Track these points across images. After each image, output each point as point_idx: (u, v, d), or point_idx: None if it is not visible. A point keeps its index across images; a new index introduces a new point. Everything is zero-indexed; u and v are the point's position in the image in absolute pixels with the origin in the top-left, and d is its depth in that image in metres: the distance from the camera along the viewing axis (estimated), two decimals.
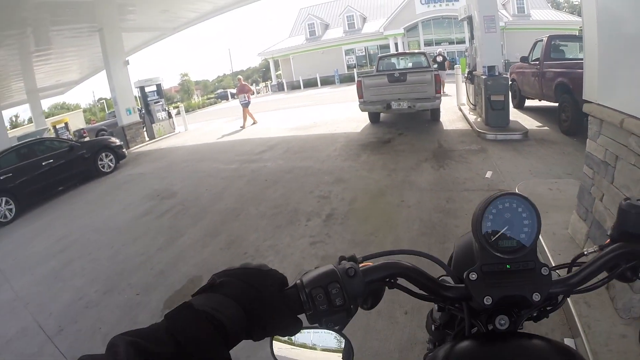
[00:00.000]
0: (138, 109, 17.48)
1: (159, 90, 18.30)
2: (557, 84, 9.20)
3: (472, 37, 12.45)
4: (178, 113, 19.96)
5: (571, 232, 4.00)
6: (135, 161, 12.22)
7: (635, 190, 3.08)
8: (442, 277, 0.90)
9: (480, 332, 0.81)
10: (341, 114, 14.94)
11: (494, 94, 8.87)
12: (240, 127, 15.41)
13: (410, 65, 13.56)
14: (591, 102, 3.91)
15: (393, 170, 7.23)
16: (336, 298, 0.70)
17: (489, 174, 6.33)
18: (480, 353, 0.76)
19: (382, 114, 12.25)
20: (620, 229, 0.79)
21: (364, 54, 39.54)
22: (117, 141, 12.07)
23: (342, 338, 0.75)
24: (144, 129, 17.31)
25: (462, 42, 37.22)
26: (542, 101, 10.96)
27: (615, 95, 3.54)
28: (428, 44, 37.36)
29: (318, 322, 0.72)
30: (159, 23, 17.92)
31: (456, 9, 35.45)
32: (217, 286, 0.67)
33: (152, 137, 17.23)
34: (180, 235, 5.66)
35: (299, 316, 0.71)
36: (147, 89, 17.69)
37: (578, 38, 11.54)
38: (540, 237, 0.90)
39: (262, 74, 60.38)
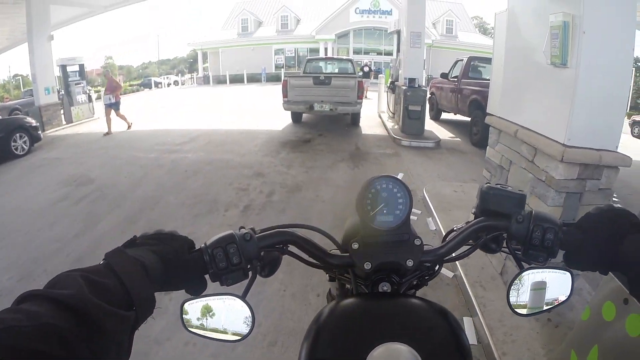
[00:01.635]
0: (57, 89, 16.32)
1: (81, 71, 17.11)
2: (471, 100, 10.02)
3: (398, 50, 13.16)
4: (99, 97, 18.91)
5: None
6: (50, 145, 11.37)
7: (524, 189, 3.53)
8: (332, 250, 0.99)
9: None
10: (264, 111, 15.09)
11: (412, 104, 9.57)
12: (105, 133, 11.92)
13: (336, 70, 14.06)
14: (493, 115, 4.41)
15: (310, 168, 7.52)
16: (233, 257, 0.81)
17: (400, 175, 6.76)
18: (362, 308, 0.87)
19: (304, 115, 12.61)
20: (481, 207, 0.94)
21: (293, 55, 39.85)
22: (33, 122, 10.97)
23: (245, 305, 0.81)
24: (62, 112, 16.14)
25: (389, 54, 38.23)
26: (457, 115, 11.80)
27: (512, 110, 4.03)
28: (357, 52, 38.21)
29: (219, 279, 0.82)
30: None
31: (388, 21, 36.86)
32: (137, 243, 0.79)
33: (69, 120, 16.03)
34: (98, 221, 5.47)
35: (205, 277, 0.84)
36: (69, 69, 16.51)
37: None
38: (441, 228, 1.17)
39: (189, 64, 58.76)
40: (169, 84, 43.97)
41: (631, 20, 3.02)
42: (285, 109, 11.36)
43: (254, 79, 36.97)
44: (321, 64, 14.55)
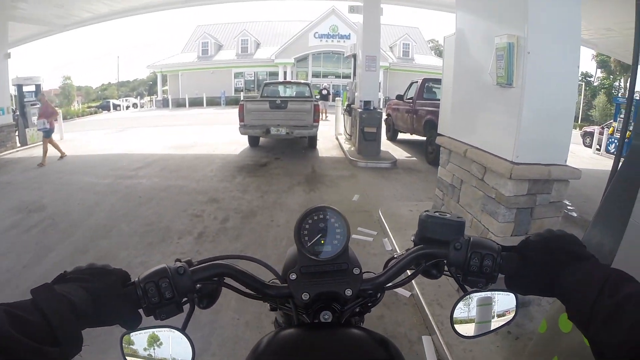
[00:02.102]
0: (12, 109, 15.54)
1: (38, 92, 16.19)
2: (426, 121, 10.20)
3: (354, 73, 13.33)
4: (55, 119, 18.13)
5: None
6: (2, 169, 10.89)
7: (476, 207, 3.57)
8: (272, 281, 0.99)
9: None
10: (222, 135, 15.11)
11: (367, 126, 9.68)
12: (39, 164, 10.43)
13: (293, 94, 14.11)
14: (443, 135, 4.44)
15: (266, 192, 7.42)
16: (165, 291, 0.80)
17: (356, 197, 6.87)
18: (300, 339, 0.87)
19: (261, 139, 12.50)
20: (420, 235, 0.95)
21: (253, 78, 39.87)
22: None
23: (185, 338, 0.81)
24: (17, 134, 15.31)
25: (347, 77, 38.90)
26: (413, 135, 11.98)
27: (462, 130, 4.06)
28: (316, 75, 38.71)
29: (153, 314, 0.81)
30: (51, 17, 16.02)
31: (346, 45, 37.48)
32: (67, 278, 0.77)
33: (24, 143, 15.21)
34: (49, 251, 5.17)
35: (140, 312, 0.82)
36: (25, 89, 15.90)
37: None
38: (397, 247, 1.17)
39: (149, 87, 57.90)
40: (127, 107, 43.27)
41: (575, 39, 3.11)
42: (242, 133, 11.18)
43: (213, 102, 36.81)
44: (279, 87, 14.55)
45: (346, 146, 11.56)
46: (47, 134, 10.99)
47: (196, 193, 7.40)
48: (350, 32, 37.32)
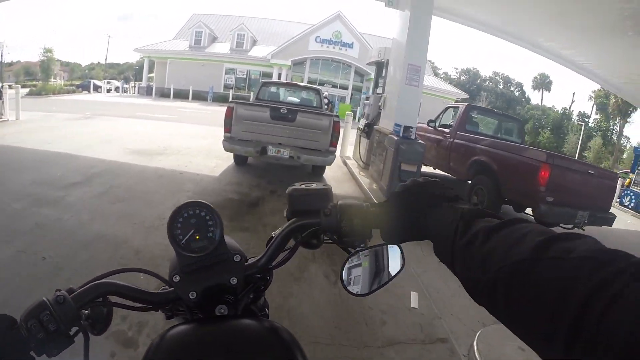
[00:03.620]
0: None
1: None
2: (474, 162, 7.75)
3: (376, 86, 11.04)
4: (30, 94, 15.37)
5: None
6: None
7: None
8: (163, 288, 0.93)
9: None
10: (201, 141, 12.19)
11: (407, 162, 6.85)
12: None
13: (298, 101, 11.11)
14: None
15: None
16: (49, 324, 0.73)
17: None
18: (191, 334, 0.84)
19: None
20: (291, 209, 0.96)
21: (245, 76, 37.63)
22: None
23: None
24: None
25: (344, 87, 37.26)
26: (437, 170, 9.97)
27: None
28: (312, 82, 36.30)
29: (44, 352, 0.74)
30: None
31: (348, 54, 35.96)
32: None
33: None
34: None
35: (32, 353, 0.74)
36: None
37: (497, 114, 10.53)
38: None
39: (136, 72, 55.22)
40: (109, 90, 41.05)
41: None
42: (226, 149, 7.93)
43: (199, 96, 34.24)
44: (281, 90, 11.56)
45: (363, 179, 8.74)
46: None
47: (138, 260, 4.05)
48: (354, 40, 35.66)
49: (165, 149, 10.18)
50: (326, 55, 36.46)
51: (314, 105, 10.22)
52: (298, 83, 12.30)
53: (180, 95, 34.32)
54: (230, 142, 7.85)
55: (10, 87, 16.64)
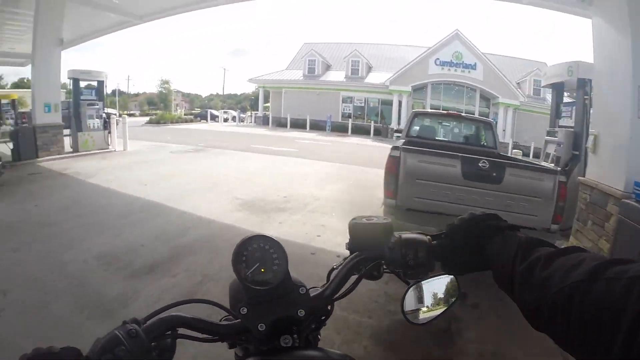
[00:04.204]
0: (65, 108, 13.12)
1: (99, 90, 13.78)
2: None
3: (557, 115, 8.70)
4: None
5: None
6: (15, 183, 8.40)
7: None
8: (226, 317, 0.96)
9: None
10: (332, 187, 9.82)
11: None
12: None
13: (464, 139, 8.43)
14: None
15: None
16: (123, 359, 0.73)
17: None
18: None
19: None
20: (353, 242, 0.99)
21: (363, 104, 36.15)
22: None
23: None
24: (70, 136, 12.93)
25: (471, 113, 34.24)
26: None
27: None
28: (434, 108, 33.89)
29: None
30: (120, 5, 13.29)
31: (471, 76, 33.25)
32: None
33: (76, 148, 12.78)
34: None
35: None
36: (82, 84, 13.37)
37: None
38: None
39: (252, 102, 56.78)
40: (225, 119, 42.06)
41: None
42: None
43: (317, 126, 33.28)
44: (439, 124, 9.63)
45: None
46: None
47: None
48: (477, 61, 32.87)
49: (286, 200, 8.28)
50: (448, 78, 33.95)
51: (489, 145, 8.00)
52: (461, 113, 9.48)
53: (297, 124, 33.73)
54: (397, 214, 5.26)
55: (129, 115, 16.56)
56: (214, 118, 42.62)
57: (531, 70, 35.25)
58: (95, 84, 13.73)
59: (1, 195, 7.76)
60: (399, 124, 32.27)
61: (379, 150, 21.55)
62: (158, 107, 48.40)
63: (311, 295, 0.95)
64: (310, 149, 19.23)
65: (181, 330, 0.88)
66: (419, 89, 34.31)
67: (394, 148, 5.44)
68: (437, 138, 8.70)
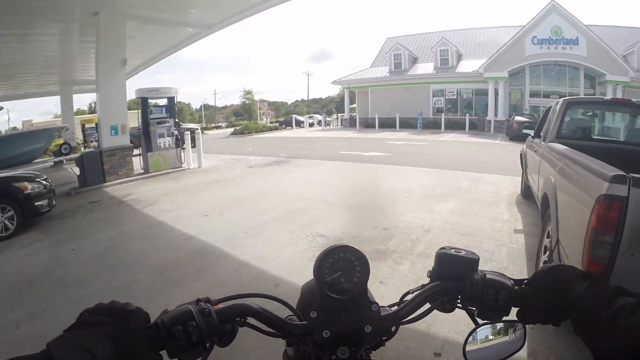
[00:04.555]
0: (138, 128, 13.15)
1: (171, 107, 13.40)
2: None
3: None
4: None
5: None
6: (69, 218, 7.94)
7: None
8: (289, 317, 0.96)
9: None
10: (443, 206, 7.98)
11: None
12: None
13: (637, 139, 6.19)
14: None
15: None
16: (192, 334, 0.77)
17: None
18: None
19: None
20: (437, 271, 0.97)
21: (455, 97, 33.88)
22: (29, 186, 7.45)
23: None
24: (140, 157, 12.87)
25: (575, 96, 30.68)
26: None
27: None
28: (535, 95, 31.33)
29: (177, 356, 0.78)
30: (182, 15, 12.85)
31: (574, 53, 29.00)
32: (88, 323, 0.73)
33: (147, 170, 12.50)
34: None
35: (161, 352, 0.77)
36: (151, 102, 13.07)
37: None
38: None
39: (338, 104, 55.87)
40: (311, 124, 41.51)
41: None
42: None
43: (407, 124, 31.71)
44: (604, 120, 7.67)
45: None
46: None
47: None
48: (578, 35, 28.85)
49: (386, 235, 6.27)
50: (547, 58, 30.29)
51: None
52: (632, 99, 6.44)
53: (386, 124, 32.35)
54: None
55: (216, 127, 16.34)
56: (299, 124, 42.22)
57: (639, 39, 30.35)
58: (165, 101, 13.41)
59: (48, 231, 7.34)
60: (495, 115, 29.98)
61: (480, 148, 19.84)
62: (244, 118, 48.95)
63: (382, 314, 0.93)
64: (404, 151, 17.53)
65: (249, 320, 0.90)
66: (515, 74, 31.31)
67: (600, 174, 2.94)
68: (600, 138, 6.94)
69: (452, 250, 0.97)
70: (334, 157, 15.16)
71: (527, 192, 7.63)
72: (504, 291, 0.90)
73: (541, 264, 4.14)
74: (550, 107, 6.86)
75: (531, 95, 31.24)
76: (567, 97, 6.45)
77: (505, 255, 5.44)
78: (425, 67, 35.39)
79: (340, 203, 8.48)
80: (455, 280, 0.94)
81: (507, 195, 8.76)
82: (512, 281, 0.92)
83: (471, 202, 8.22)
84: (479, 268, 0.96)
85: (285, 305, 0.98)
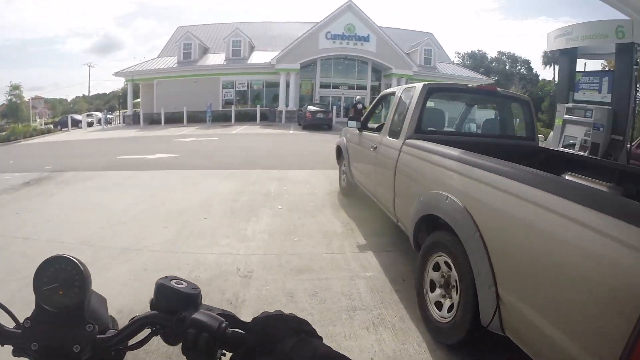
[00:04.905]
0: None
1: None
2: None
3: (573, 87, 6.54)
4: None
5: None
6: None
7: None
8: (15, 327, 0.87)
9: None
10: (253, 227, 5.62)
11: None
12: None
13: (496, 129, 5.76)
14: None
15: None
16: None
17: None
18: None
19: None
20: (154, 302, 0.85)
21: (246, 89, 32.68)
22: None
23: None
24: None
25: (362, 87, 32.12)
26: None
27: None
28: (325, 86, 32.57)
29: None
30: None
31: (364, 49, 30.67)
32: None
33: None
34: None
35: None
36: None
37: None
38: None
39: (121, 100, 49.30)
40: (89, 123, 34.77)
41: None
42: None
43: (196, 118, 29.05)
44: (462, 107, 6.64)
45: None
46: None
47: None
48: (370, 32, 30.81)
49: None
50: (339, 52, 31.57)
51: (528, 136, 5.37)
52: (497, 88, 5.43)
53: (173, 119, 29.16)
54: None
55: None
56: (76, 124, 35.24)
57: (421, 40, 35.47)
58: None
59: None
60: (287, 105, 29.78)
61: (275, 139, 19.27)
62: (12, 121, 40.04)
63: (98, 336, 0.83)
64: (195, 150, 14.71)
65: None
66: (307, 67, 31.58)
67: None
68: (460, 131, 6.16)
69: (173, 282, 0.86)
70: (109, 166, 10.89)
71: (350, 190, 7.18)
72: (205, 334, 0.78)
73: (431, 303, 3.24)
74: (387, 95, 6.27)
75: (321, 87, 32.16)
76: (426, 82, 4.98)
77: (366, 292, 3.89)
78: (216, 58, 33.33)
79: (106, 251, 4.87)
80: (172, 313, 0.83)
81: (327, 195, 7.64)
82: (225, 324, 0.80)
83: (289, 213, 6.29)
84: (203, 303, 0.87)
85: (8, 313, 0.85)
